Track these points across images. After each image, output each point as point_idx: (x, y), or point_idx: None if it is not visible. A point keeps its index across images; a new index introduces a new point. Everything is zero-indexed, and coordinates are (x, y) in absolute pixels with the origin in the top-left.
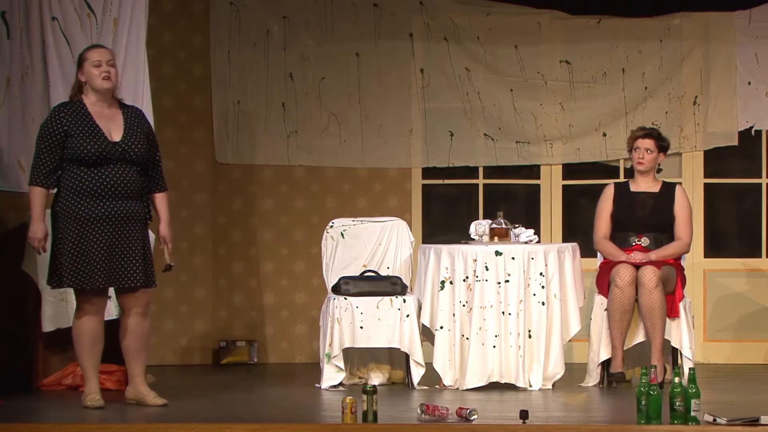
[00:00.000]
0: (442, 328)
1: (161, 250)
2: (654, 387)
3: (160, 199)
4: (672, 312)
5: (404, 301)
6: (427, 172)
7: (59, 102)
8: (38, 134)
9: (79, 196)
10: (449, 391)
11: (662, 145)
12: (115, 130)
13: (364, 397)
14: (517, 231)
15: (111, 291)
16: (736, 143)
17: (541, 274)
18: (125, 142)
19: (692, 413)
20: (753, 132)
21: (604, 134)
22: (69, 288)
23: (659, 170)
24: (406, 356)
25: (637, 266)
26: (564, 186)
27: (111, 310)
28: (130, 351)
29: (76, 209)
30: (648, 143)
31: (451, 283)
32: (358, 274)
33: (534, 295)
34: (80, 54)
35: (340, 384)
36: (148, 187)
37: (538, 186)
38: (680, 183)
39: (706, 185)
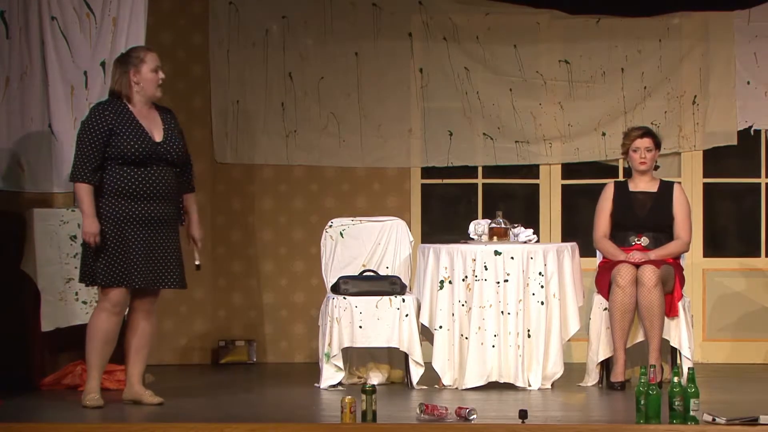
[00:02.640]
0: (441, 327)
1: (190, 250)
2: (653, 386)
3: (190, 200)
4: (671, 311)
5: (403, 300)
6: (426, 172)
7: (99, 101)
8: (80, 131)
9: (121, 197)
10: (448, 391)
11: (658, 143)
12: (156, 130)
13: (363, 396)
14: (516, 231)
15: None
16: (735, 143)
17: (540, 273)
18: (167, 142)
19: (691, 413)
20: (752, 131)
21: (604, 134)
22: (100, 285)
23: (656, 167)
24: (406, 356)
25: (636, 265)
26: (563, 186)
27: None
28: (132, 349)
29: (117, 210)
30: (647, 142)
31: (450, 282)
32: (357, 273)
33: (533, 294)
34: (131, 54)
35: (339, 383)
36: (180, 188)
37: (537, 186)
38: (679, 182)
39: (705, 185)
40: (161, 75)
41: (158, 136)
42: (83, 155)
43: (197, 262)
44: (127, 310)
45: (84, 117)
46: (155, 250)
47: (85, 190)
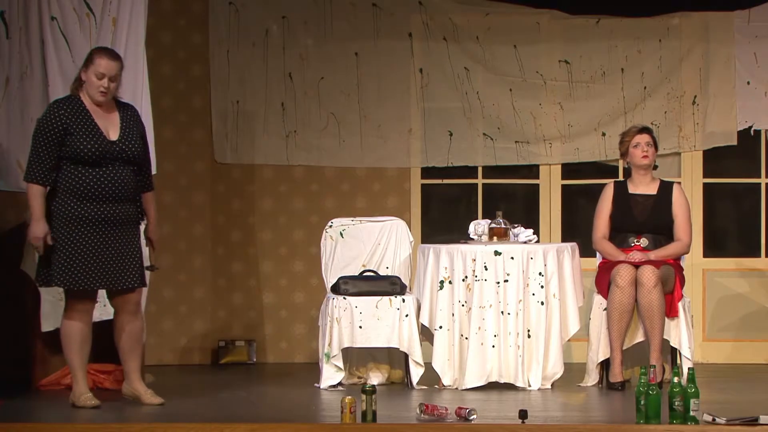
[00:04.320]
0: (441, 327)
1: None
2: (653, 387)
3: (148, 199)
4: (671, 312)
5: (403, 300)
6: (426, 172)
7: (56, 98)
8: (35, 130)
9: (76, 197)
10: (448, 391)
11: (655, 140)
12: (112, 128)
13: (363, 396)
14: (516, 231)
15: (100, 295)
16: (735, 143)
17: (540, 273)
18: (122, 141)
19: (691, 413)
20: (752, 132)
21: (603, 134)
22: (58, 287)
23: (655, 167)
24: (405, 356)
25: (636, 266)
26: (563, 186)
27: (108, 310)
28: (123, 349)
29: (71, 211)
30: (647, 137)
31: (450, 282)
32: (357, 273)
33: (533, 294)
34: (91, 52)
35: (339, 384)
36: (139, 187)
37: (537, 186)
38: (679, 182)
39: (705, 185)
40: (104, 82)
41: (114, 135)
42: (37, 155)
43: (149, 263)
44: (113, 312)
45: (40, 115)
46: (113, 252)
47: (36, 192)
